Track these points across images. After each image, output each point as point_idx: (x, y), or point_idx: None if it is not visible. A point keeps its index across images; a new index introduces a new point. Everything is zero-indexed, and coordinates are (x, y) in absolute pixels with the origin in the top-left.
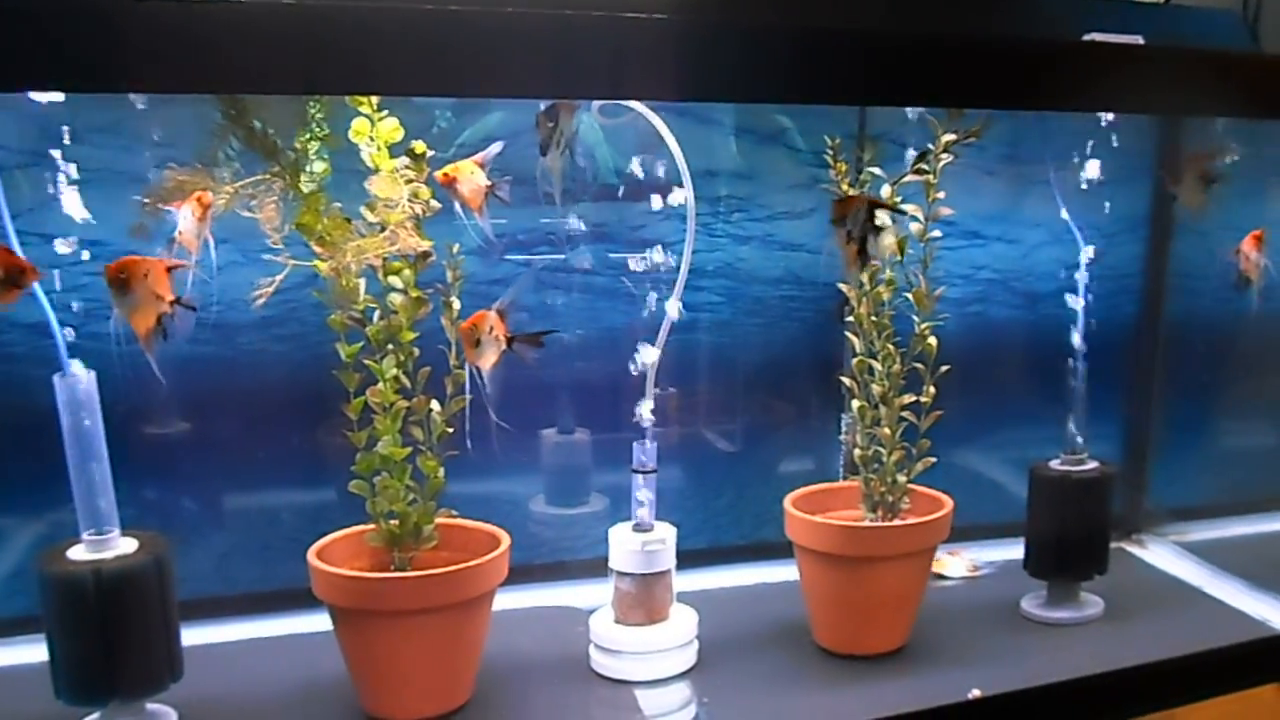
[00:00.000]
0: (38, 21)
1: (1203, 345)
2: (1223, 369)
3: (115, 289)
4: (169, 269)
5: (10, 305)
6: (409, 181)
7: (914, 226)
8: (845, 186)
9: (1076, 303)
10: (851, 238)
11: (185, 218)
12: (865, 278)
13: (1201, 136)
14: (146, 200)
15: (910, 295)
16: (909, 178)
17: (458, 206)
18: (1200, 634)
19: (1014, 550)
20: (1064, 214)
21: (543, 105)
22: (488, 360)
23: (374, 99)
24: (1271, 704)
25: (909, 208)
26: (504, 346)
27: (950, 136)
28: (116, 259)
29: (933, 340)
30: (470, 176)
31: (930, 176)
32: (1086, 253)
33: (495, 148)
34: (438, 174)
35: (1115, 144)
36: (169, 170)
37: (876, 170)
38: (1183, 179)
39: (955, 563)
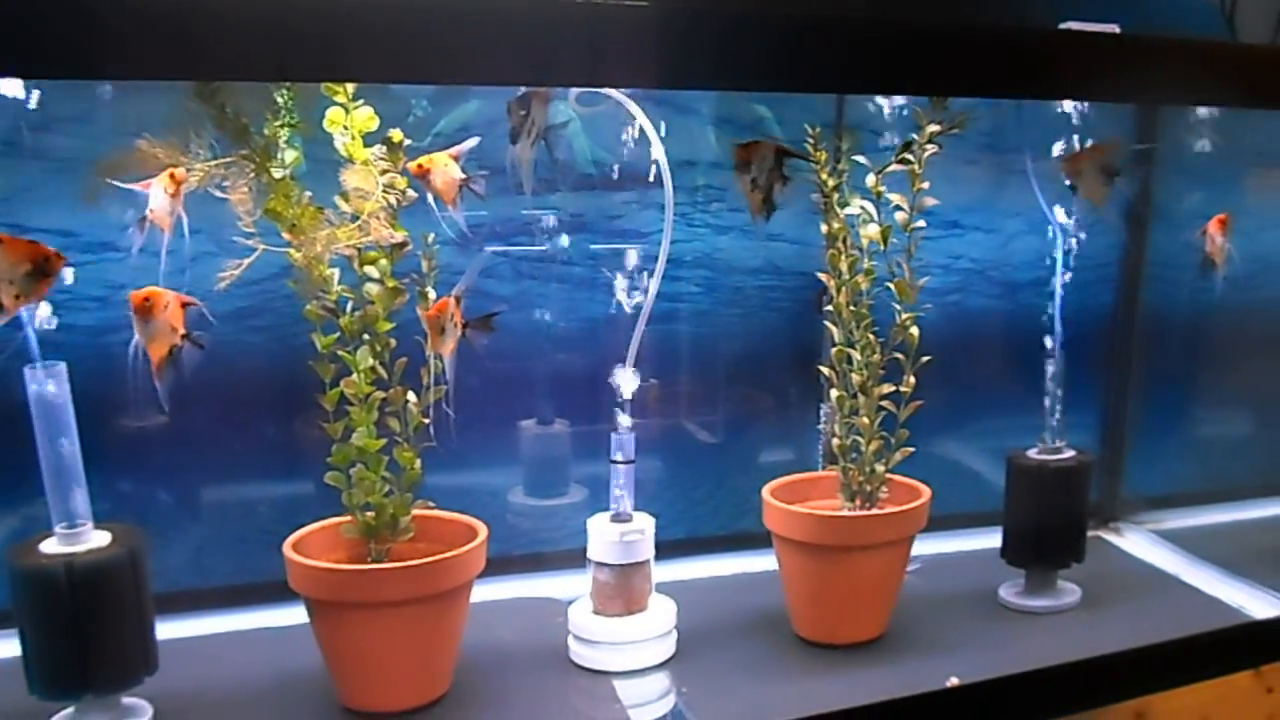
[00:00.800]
0: (5, 7)
1: (1179, 334)
2: (1199, 358)
3: (139, 316)
4: (184, 304)
5: (45, 296)
6: (384, 171)
7: (898, 216)
8: (825, 176)
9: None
10: (757, 185)
11: (157, 195)
12: (845, 267)
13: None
14: (106, 166)
15: (892, 285)
16: (893, 167)
17: (430, 199)
18: (1177, 621)
19: (991, 539)
20: (1056, 212)
21: (520, 91)
22: (448, 347)
23: (349, 88)
24: (1247, 691)
25: (894, 197)
26: (460, 333)
27: (935, 127)
28: (142, 288)
29: (915, 330)
30: (444, 169)
31: (915, 166)
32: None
33: (471, 142)
34: (411, 165)
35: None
36: (142, 141)
37: (860, 159)
38: (1082, 170)
39: None
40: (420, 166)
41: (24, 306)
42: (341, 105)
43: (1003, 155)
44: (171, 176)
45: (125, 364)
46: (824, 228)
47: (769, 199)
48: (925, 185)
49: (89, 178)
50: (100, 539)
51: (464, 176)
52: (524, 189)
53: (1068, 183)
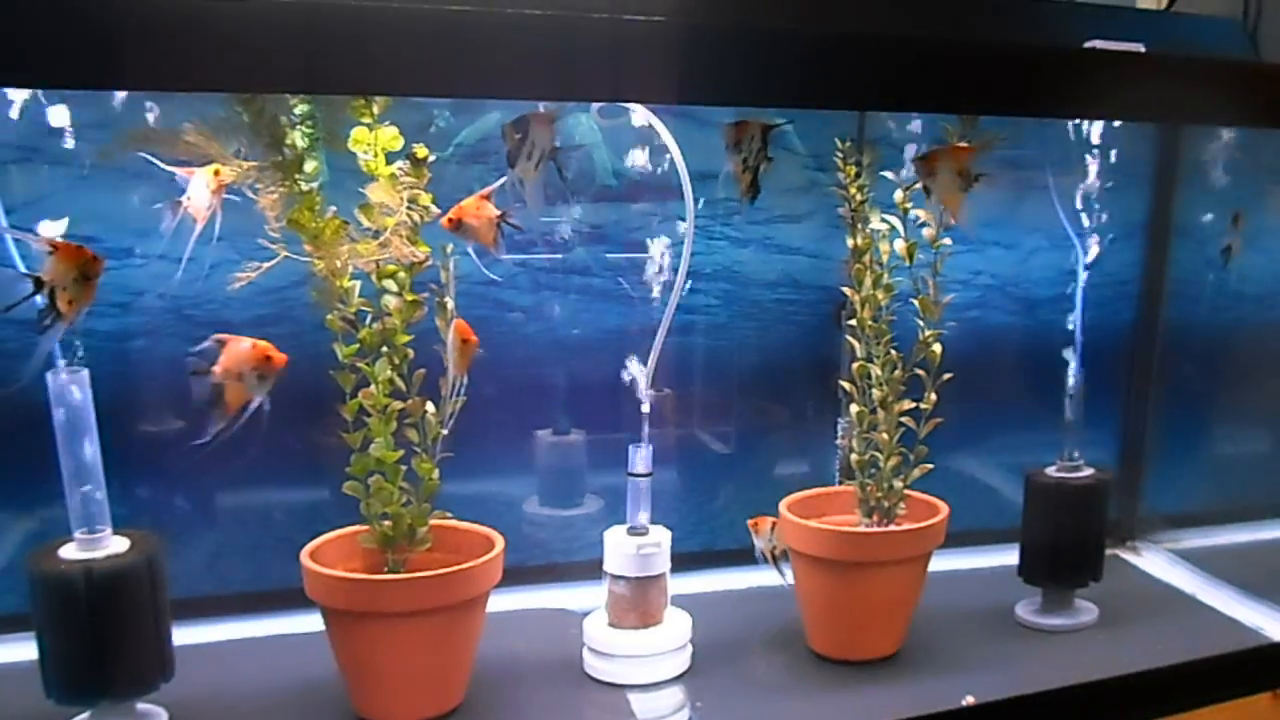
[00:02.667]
0: (36, 18)
1: (1199, 352)
2: (1219, 376)
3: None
4: None
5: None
6: (409, 187)
7: (925, 232)
8: (853, 190)
9: (1073, 320)
10: (747, 166)
11: (198, 187)
12: (869, 280)
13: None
14: (137, 135)
15: (916, 301)
16: (919, 184)
17: (469, 248)
18: (1194, 642)
19: (1009, 556)
20: (1080, 231)
21: (543, 106)
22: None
23: (375, 109)
24: (1265, 713)
25: (918, 213)
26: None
27: (963, 145)
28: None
29: (937, 347)
30: (476, 211)
31: None
32: (1091, 249)
33: (501, 182)
34: (443, 220)
35: (1113, 150)
36: (189, 125)
37: (888, 174)
38: (937, 173)
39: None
40: (450, 220)
41: (77, 311)
42: (367, 124)
43: (1023, 171)
44: (216, 173)
45: (145, 369)
46: (849, 241)
47: (755, 180)
48: None
49: (111, 141)
50: (119, 545)
51: (499, 213)
52: (529, 207)
53: (921, 186)
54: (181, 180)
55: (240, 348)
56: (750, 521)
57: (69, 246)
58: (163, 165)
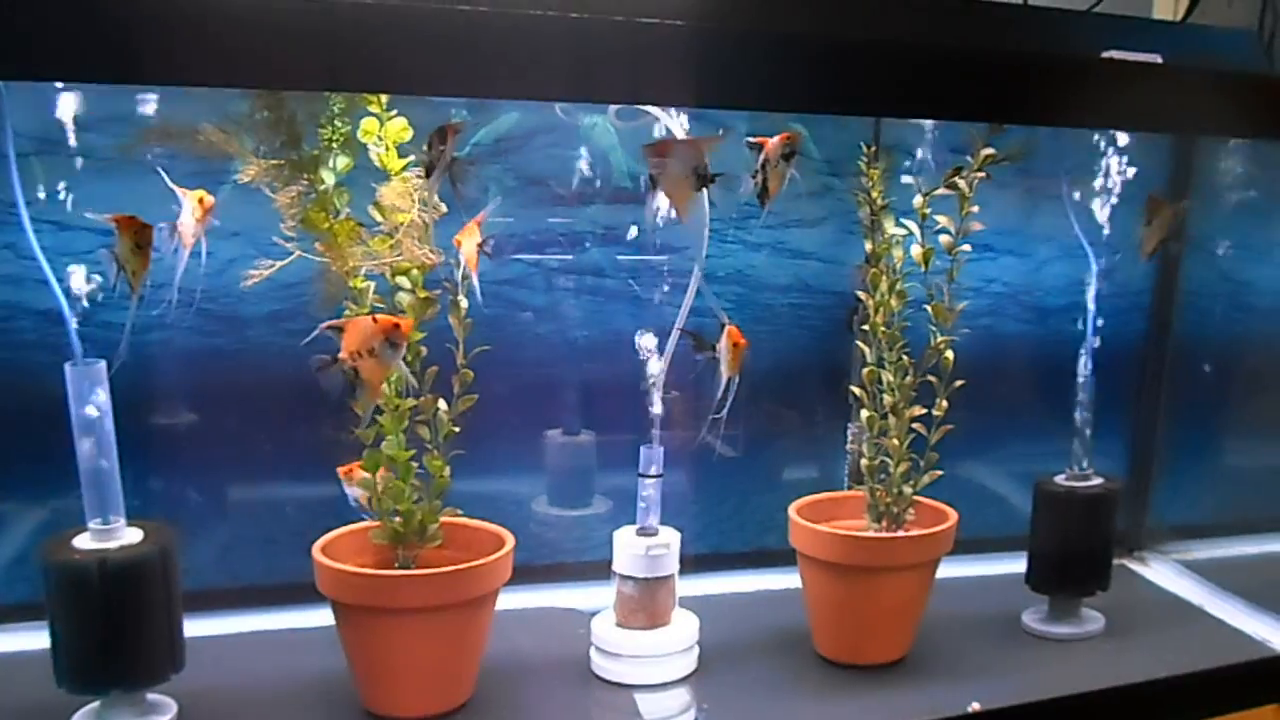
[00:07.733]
0: (61, 14)
1: (1210, 364)
2: (1229, 388)
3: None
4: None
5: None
6: (420, 189)
7: (943, 239)
8: (876, 194)
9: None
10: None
11: (186, 211)
12: (884, 285)
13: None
14: (155, 133)
15: (930, 308)
16: (940, 190)
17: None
18: (1200, 653)
19: (1017, 564)
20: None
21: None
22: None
23: (383, 98)
24: None
25: (941, 219)
26: None
27: (989, 151)
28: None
29: (949, 354)
30: (470, 238)
31: (965, 190)
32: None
33: (495, 202)
34: (455, 238)
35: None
36: (209, 127)
37: (908, 179)
38: (667, 165)
39: None
40: (458, 240)
41: (141, 282)
42: (375, 115)
43: (1037, 179)
44: (200, 202)
45: (160, 362)
46: (868, 245)
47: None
48: (975, 209)
49: (132, 137)
50: (133, 536)
51: (479, 241)
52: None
53: (651, 173)
54: (181, 199)
55: (363, 325)
56: (342, 470)
57: (122, 218)
58: (169, 183)
